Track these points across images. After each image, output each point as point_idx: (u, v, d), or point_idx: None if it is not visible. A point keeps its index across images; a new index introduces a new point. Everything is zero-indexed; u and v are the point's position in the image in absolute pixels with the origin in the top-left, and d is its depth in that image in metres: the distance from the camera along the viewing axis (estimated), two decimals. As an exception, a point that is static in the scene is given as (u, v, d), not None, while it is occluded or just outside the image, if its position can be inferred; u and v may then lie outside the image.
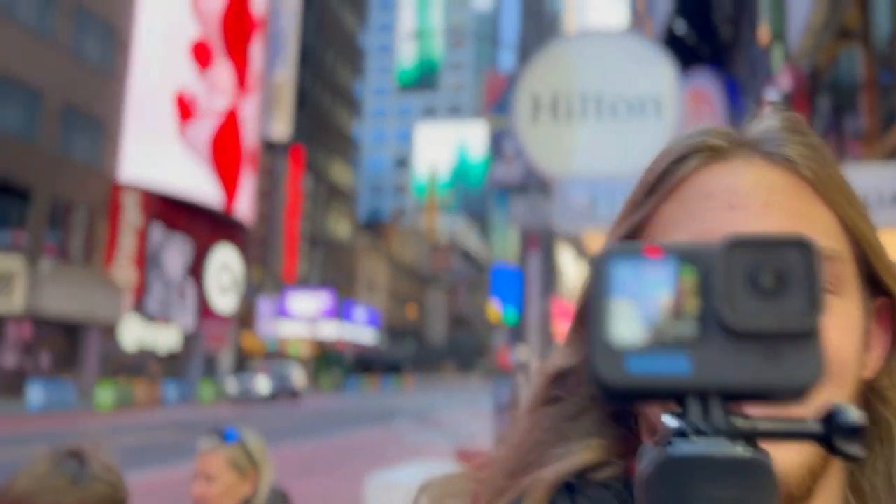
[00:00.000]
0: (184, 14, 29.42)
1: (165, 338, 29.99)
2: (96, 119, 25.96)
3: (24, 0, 22.84)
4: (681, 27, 20.75)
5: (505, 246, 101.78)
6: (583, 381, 0.54)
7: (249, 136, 33.94)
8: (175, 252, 29.40)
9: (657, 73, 8.17)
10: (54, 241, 24.33)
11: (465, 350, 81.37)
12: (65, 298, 21.15)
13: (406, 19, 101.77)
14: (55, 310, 20.79)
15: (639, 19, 28.29)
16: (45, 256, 22.80)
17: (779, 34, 10.01)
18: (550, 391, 0.56)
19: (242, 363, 37.32)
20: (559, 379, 0.56)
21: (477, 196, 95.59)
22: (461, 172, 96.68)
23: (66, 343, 24.90)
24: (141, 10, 27.83)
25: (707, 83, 15.08)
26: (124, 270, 26.18)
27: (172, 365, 31.10)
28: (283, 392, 29.94)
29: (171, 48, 28.76)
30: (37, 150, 23.33)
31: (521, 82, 7.85)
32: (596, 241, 7.75)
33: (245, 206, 34.46)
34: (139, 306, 26.81)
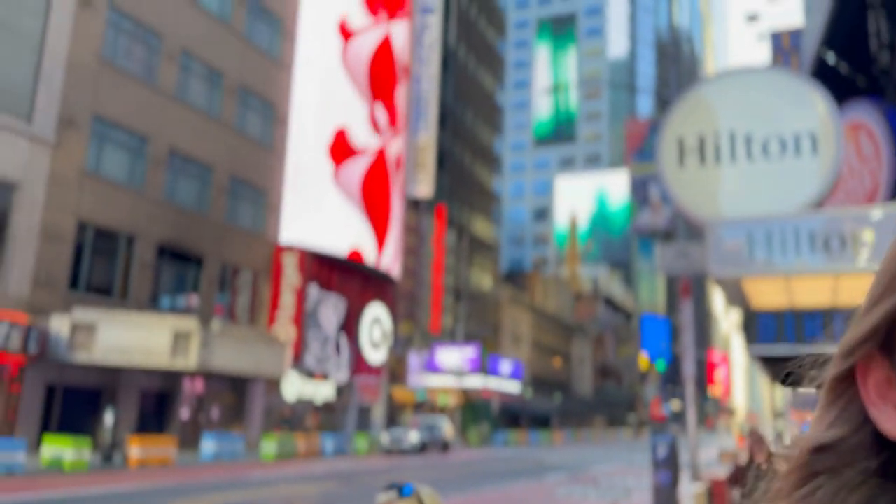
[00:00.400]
0: (335, 74, 31.54)
1: (322, 391, 31.41)
2: (258, 188, 28.19)
3: (194, 86, 25.46)
4: (832, 58, 19.71)
5: (651, 294, 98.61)
6: (857, 455, 0.50)
7: (396, 175, 35.51)
8: (330, 309, 30.94)
9: (809, 107, 7.89)
10: (223, 302, 26.39)
11: (613, 402, 78.78)
12: (233, 355, 22.75)
13: (541, 75, 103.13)
14: (224, 366, 22.37)
15: (784, 54, 27.20)
16: (216, 317, 24.73)
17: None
18: (812, 467, 0.51)
19: (393, 415, 38.22)
20: (821, 453, 0.51)
21: (618, 244, 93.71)
22: (601, 221, 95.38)
23: (233, 397, 26.68)
24: (296, 85, 30.21)
25: (866, 114, 14.20)
26: (285, 328, 27.86)
27: (328, 417, 32.41)
28: (434, 444, 30.36)
29: (324, 112, 30.84)
30: (207, 220, 25.60)
31: (666, 127, 7.81)
32: (754, 286, 7.47)
33: (393, 263, 35.82)
34: (298, 362, 28.30)
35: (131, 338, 20.08)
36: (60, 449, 16.21)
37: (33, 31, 20.00)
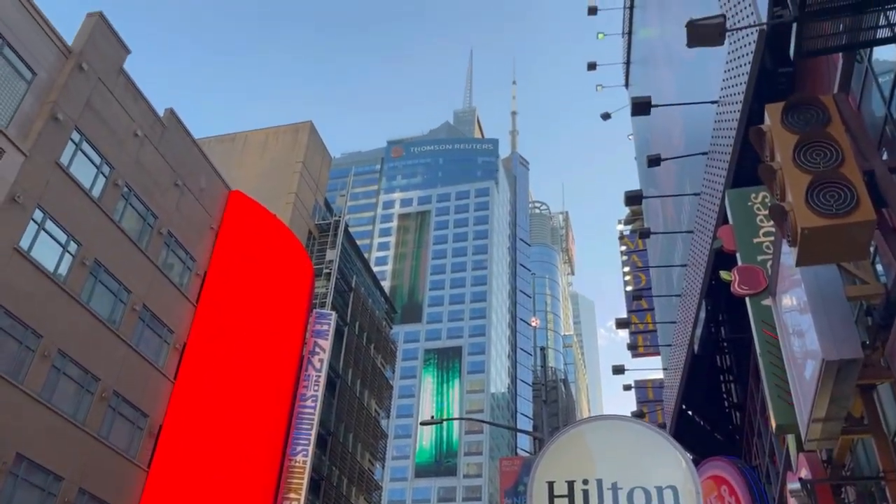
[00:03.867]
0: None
1: None
2: (109, 504, 25.52)
3: (62, 389, 24.22)
4: (694, 413, 21.25)
5: None
6: None
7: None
8: None
9: (673, 464, 8.30)
10: None
11: None
12: None
13: (425, 406, 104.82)
14: None
15: (649, 404, 29.14)
16: None
17: (788, 424, 10.32)
18: None
19: None
20: None
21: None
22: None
23: None
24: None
25: (726, 472, 14.99)
26: None
27: None
28: None
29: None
30: (41, 538, 22.50)
31: (537, 468, 8.00)
32: None
33: None
34: None
35: None
36: None
37: None
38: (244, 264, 34.97)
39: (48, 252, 24.02)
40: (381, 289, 63.64)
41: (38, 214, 23.47)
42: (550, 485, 7.68)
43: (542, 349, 71.24)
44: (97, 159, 26.20)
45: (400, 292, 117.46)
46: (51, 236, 24.08)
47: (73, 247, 24.97)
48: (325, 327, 43.98)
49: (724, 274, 12.13)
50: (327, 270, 49.06)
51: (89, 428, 25.07)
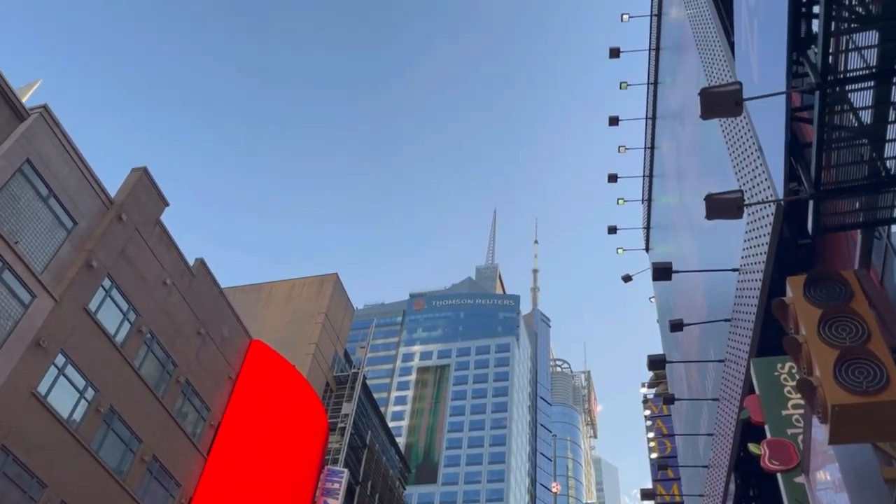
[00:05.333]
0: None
1: None
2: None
3: (64, 542, 23.16)
4: None
5: None
6: None
7: None
8: None
9: None
10: None
11: None
12: None
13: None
14: None
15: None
16: None
17: None
18: None
19: None
20: None
21: None
22: None
23: None
24: None
25: None
26: None
27: None
28: None
29: None
30: None
31: None
32: None
33: None
34: None
35: None
36: None
37: None
38: (259, 415, 34.41)
39: (65, 397, 23.89)
40: (396, 446, 61.91)
41: (59, 359, 23.59)
42: None
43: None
44: (125, 306, 26.66)
45: (415, 450, 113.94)
46: (69, 382, 24.06)
47: (90, 393, 24.85)
48: (337, 486, 42.41)
49: (752, 447, 11.69)
50: (342, 425, 48.04)
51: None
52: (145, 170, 28.42)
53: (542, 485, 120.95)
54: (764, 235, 11.10)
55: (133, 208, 27.37)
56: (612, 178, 29.66)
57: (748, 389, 13.15)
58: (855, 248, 9.55)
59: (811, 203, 7.64)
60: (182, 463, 29.42)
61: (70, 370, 24.05)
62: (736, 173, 12.47)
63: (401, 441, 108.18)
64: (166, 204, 29.44)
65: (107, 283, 25.85)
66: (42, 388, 22.89)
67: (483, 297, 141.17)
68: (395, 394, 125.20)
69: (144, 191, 28.23)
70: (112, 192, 26.89)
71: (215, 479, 30.90)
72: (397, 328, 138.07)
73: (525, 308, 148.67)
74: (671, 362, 23.34)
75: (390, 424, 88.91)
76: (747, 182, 11.72)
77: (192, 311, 30.57)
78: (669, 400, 21.09)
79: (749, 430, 13.62)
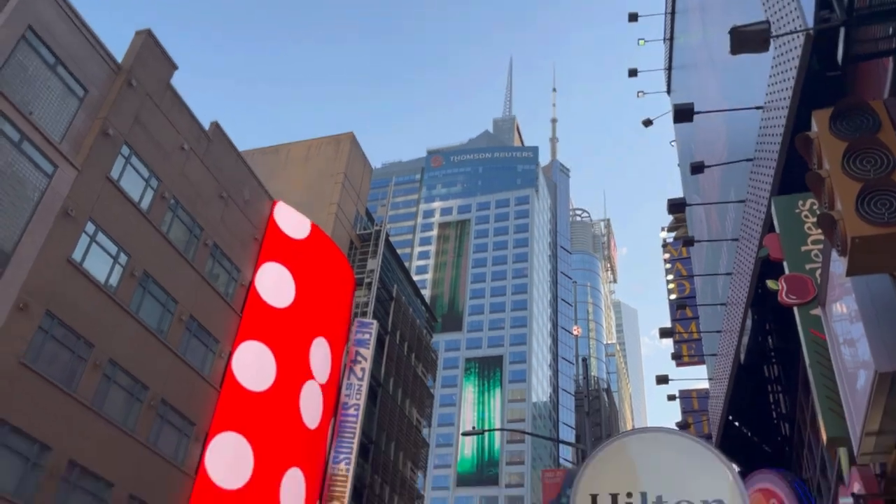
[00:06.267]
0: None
1: None
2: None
3: (113, 398, 24.82)
4: (740, 424, 20.78)
5: None
6: None
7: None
8: None
9: (720, 477, 8.15)
10: None
11: None
12: None
13: (467, 415, 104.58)
14: None
15: (694, 414, 28.60)
16: None
17: (839, 437, 10.03)
18: None
19: None
20: None
21: None
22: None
23: None
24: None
25: (774, 485, 14.63)
26: None
27: None
28: None
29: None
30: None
31: (579, 481, 7.92)
32: None
33: None
34: None
35: None
36: None
37: (-39, 328, 19.84)
38: (287, 274, 35.42)
39: (99, 264, 24.68)
40: (421, 298, 63.83)
41: (90, 227, 24.14)
42: (594, 497, 7.60)
43: (584, 359, 70.43)
44: (145, 173, 26.86)
45: (440, 301, 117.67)
46: (102, 248, 24.75)
47: (123, 258, 25.62)
48: (367, 336, 44.26)
49: (770, 283, 11.89)
50: (368, 280, 49.40)
51: (138, 435, 25.61)
52: (149, 32, 27.64)
53: (563, 328, 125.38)
54: (791, 69, 10.72)
55: (142, 73, 26.90)
56: (633, 18, 28.37)
57: (768, 228, 13.22)
58: (886, 76, 9.22)
59: (842, 30, 7.31)
60: (218, 321, 30.72)
61: (101, 237, 24.66)
62: (763, 3, 11.87)
63: (426, 294, 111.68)
64: (175, 67, 28.86)
65: (125, 150, 25.91)
66: (77, 256, 23.62)
67: (501, 151, 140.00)
68: (417, 249, 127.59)
69: (151, 54, 27.61)
70: (118, 57, 26.33)
71: (250, 334, 32.34)
72: (416, 185, 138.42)
73: (544, 159, 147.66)
74: (691, 205, 23.35)
75: (415, 278, 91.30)
76: (775, 13, 11.18)
77: (211, 175, 30.75)
78: (689, 242, 21.28)
79: (767, 268, 13.83)
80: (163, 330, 27.45)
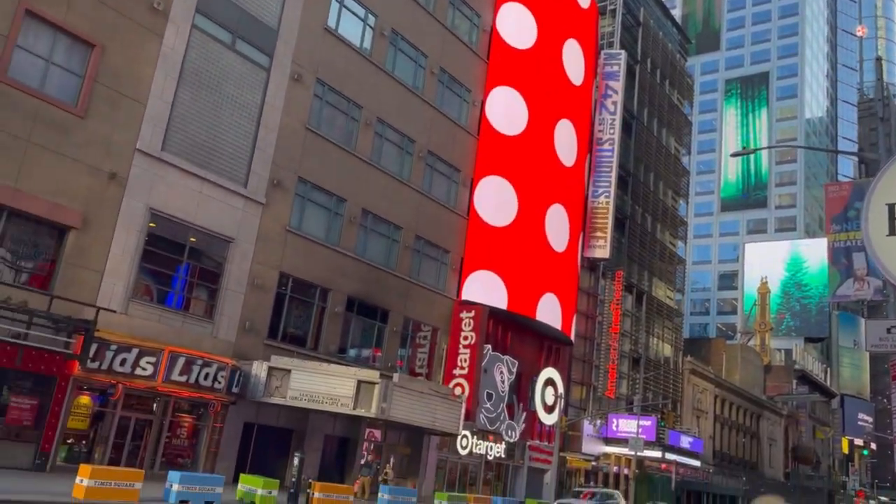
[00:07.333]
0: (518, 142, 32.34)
1: (493, 451, 31.36)
2: (441, 248, 29.28)
3: (387, 152, 27.20)
4: None
5: (854, 372, 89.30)
6: None
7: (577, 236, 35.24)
8: (503, 369, 31.10)
9: None
10: (403, 356, 27.42)
11: (808, 488, 71.42)
12: (410, 407, 23.40)
13: (729, 139, 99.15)
14: (402, 417, 23.06)
15: None
16: (397, 369, 25.68)
17: None
18: None
19: (564, 481, 37.24)
20: None
21: (814, 316, 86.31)
22: (794, 290, 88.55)
23: (408, 449, 27.39)
24: (477, 154, 31.36)
25: None
26: (460, 384, 28.31)
27: (498, 480, 32.18)
28: (606, 517, 29.21)
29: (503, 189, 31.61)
30: (393, 276, 26.91)
31: (873, 191, 7.29)
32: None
33: (569, 326, 35.46)
34: (471, 419, 28.55)
35: (320, 385, 21.36)
36: (253, 486, 17.46)
37: (253, 104, 22.52)
38: (526, 10, 34.30)
39: (352, 28, 25.87)
40: (671, 19, 58.90)
41: (336, -7, 25.04)
42: (891, 207, 7.01)
43: (879, 58, 61.18)
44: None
45: (693, 19, 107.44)
46: (351, 12, 25.76)
47: (371, 19, 26.54)
48: (616, 68, 42.54)
49: None
50: (612, 7, 46.33)
51: (414, 184, 28.19)
52: None
53: (844, 31, 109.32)
54: None
55: None
56: None
57: None
58: None
59: None
60: (466, 70, 31.30)
61: (349, 1, 25.63)
62: None
63: (676, 14, 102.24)
64: None
65: None
66: (331, 22, 24.93)
67: None
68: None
69: None
70: None
71: (499, 77, 32.60)
72: None
73: None
74: None
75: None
76: None
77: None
78: None
79: None
80: (418, 86, 28.74)
